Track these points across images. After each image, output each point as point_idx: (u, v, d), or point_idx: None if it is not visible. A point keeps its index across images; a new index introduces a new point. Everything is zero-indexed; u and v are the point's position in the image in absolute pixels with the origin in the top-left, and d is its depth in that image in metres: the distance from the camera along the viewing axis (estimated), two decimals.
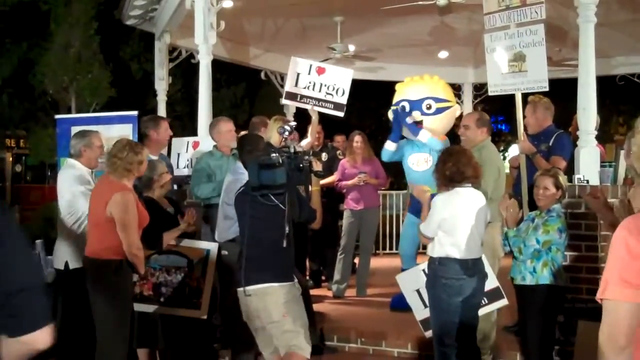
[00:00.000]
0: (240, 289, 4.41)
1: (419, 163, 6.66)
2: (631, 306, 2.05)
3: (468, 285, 4.63)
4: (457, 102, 7.29)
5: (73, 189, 5.48)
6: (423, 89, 6.71)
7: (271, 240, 4.37)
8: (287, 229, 4.34)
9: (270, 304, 4.36)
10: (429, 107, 6.58)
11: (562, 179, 4.92)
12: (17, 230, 2.04)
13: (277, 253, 4.40)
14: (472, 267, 4.65)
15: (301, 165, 4.33)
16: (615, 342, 2.09)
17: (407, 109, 6.65)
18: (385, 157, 6.95)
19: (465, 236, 4.64)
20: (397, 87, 7.00)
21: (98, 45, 16.49)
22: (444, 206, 4.69)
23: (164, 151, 6.90)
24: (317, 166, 4.61)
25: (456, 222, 4.65)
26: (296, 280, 4.57)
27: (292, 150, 4.36)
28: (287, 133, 4.71)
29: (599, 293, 2.13)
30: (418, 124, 6.58)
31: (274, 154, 4.26)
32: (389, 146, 6.81)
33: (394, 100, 6.88)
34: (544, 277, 4.76)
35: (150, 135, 6.31)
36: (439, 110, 6.56)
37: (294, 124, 5.13)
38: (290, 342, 4.37)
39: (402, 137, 6.80)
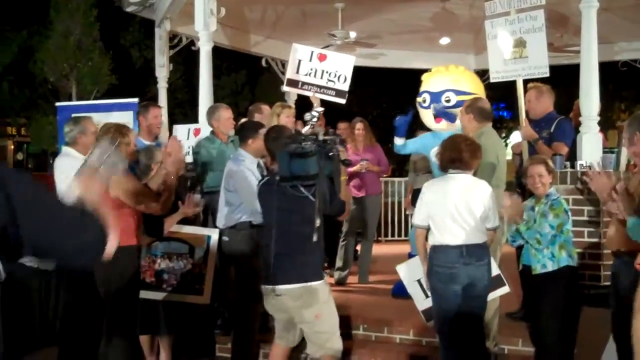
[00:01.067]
0: (268, 287, 4.27)
1: None
2: None
3: (463, 273, 4.58)
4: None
5: (68, 179, 5.46)
6: (445, 81, 6.59)
7: (301, 235, 4.18)
8: (317, 222, 4.12)
9: (303, 305, 4.24)
10: (448, 100, 6.46)
11: (550, 162, 4.91)
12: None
13: (308, 249, 4.22)
14: (468, 254, 4.59)
15: (331, 153, 4.13)
16: None
17: (427, 101, 6.57)
18: (399, 151, 6.87)
19: (458, 222, 4.60)
20: (423, 77, 6.87)
21: (98, 32, 16.50)
22: (430, 193, 4.70)
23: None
24: (344, 154, 4.47)
25: (445, 208, 4.61)
26: (326, 277, 4.50)
27: (320, 138, 4.18)
28: (315, 119, 4.54)
29: None
30: (437, 117, 6.50)
31: (306, 142, 4.06)
32: (397, 141, 6.74)
33: (420, 90, 6.80)
34: (564, 259, 4.67)
35: (140, 122, 6.34)
36: (459, 103, 6.47)
37: (321, 109, 5.01)
38: (325, 344, 4.34)
39: (410, 133, 6.75)
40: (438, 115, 6.35)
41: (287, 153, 4.02)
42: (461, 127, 5.76)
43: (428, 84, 6.67)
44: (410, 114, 6.64)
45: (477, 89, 6.57)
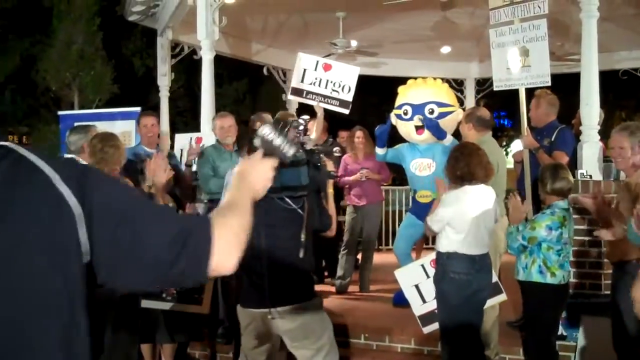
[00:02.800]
0: (262, 310, 3.96)
1: (422, 168, 6.62)
2: None
3: (475, 281, 4.63)
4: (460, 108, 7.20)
5: None
6: (426, 93, 6.64)
7: (287, 252, 3.89)
8: (302, 236, 3.87)
9: (299, 325, 3.99)
10: (432, 112, 6.49)
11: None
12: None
13: (297, 266, 3.95)
14: (480, 262, 4.65)
15: (319, 164, 3.84)
16: None
17: (410, 113, 6.60)
18: (378, 159, 7.00)
19: (473, 233, 4.64)
20: (400, 89, 6.91)
21: (100, 41, 16.55)
22: (452, 203, 4.68)
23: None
24: (330, 166, 4.22)
25: (464, 219, 4.63)
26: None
27: (308, 147, 3.85)
28: (302, 127, 4.33)
29: None
30: (419, 130, 6.53)
31: (297, 152, 3.78)
32: (378, 151, 6.86)
33: (397, 103, 6.83)
34: (532, 274, 4.75)
35: (139, 131, 6.39)
36: (442, 115, 6.50)
37: (307, 117, 4.87)
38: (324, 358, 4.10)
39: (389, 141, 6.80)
40: (429, 129, 6.36)
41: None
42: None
43: (407, 96, 6.70)
44: (388, 123, 6.68)
45: (454, 101, 6.71)
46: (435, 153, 6.42)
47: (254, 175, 2.06)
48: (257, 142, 2.28)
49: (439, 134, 6.24)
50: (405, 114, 6.61)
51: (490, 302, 5.12)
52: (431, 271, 5.08)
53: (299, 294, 4.01)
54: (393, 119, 6.75)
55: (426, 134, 6.43)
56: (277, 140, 2.26)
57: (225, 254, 1.66)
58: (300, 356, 4.13)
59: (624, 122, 5.34)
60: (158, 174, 4.84)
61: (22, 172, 1.52)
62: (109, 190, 1.61)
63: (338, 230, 8.36)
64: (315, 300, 4.11)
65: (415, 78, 6.94)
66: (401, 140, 6.90)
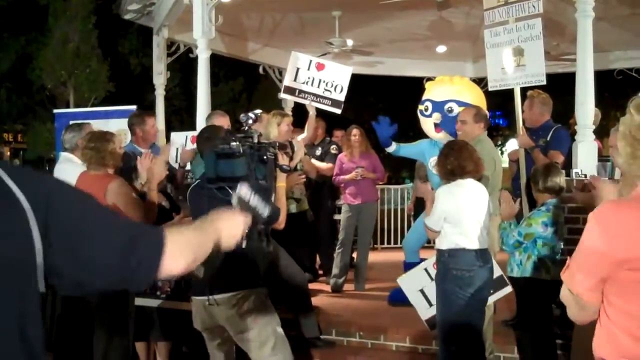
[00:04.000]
0: (202, 298, 4.04)
1: None
2: None
3: (479, 276, 4.65)
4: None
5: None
6: (449, 91, 6.62)
7: None
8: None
9: (237, 313, 4.01)
10: (451, 110, 6.50)
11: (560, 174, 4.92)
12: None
13: (238, 255, 3.82)
14: (482, 257, 4.68)
15: (265, 157, 3.87)
16: None
17: (430, 110, 6.60)
18: (395, 154, 6.94)
19: (471, 226, 4.68)
20: (427, 85, 6.93)
21: (96, 39, 16.51)
22: (446, 198, 4.71)
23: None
24: (283, 160, 4.22)
25: (461, 213, 4.67)
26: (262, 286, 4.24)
27: (255, 140, 3.89)
28: (250, 121, 4.30)
29: None
30: (437, 127, 6.53)
31: (234, 143, 3.78)
32: (388, 149, 6.81)
33: (422, 97, 6.84)
34: (527, 270, 4.82)
35: (136, 131, 6.32)
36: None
37: (259, 111, 4.80)
38: (268, 354, 4.07)
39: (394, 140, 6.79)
40: (442, 125, 6.37)
41: (214, 153, 3.77)
42: (460, 135, 5.80)
43: (431, 92, 6.71)
44: (390, 128, 6.66)
45: (479, 101, 6.61)
46: None
47: (225, 224, 2.22)
48: (234, 201, 2.55)
49: (453, 131, 6.26)
50: (426, 110, 6.62)
51: (498, 295, 5.15)
52: (435, 273, 5.08)
53: (238, 281, 4.05)
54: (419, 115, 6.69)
55: (444, 132, 6.43)
56: (253, 201, 2.54)
57: (175, 257, 1.86)
58: (246, 349, 4.15)
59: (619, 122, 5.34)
60: (157, 169, 4.86)
61: None
62: (66, 199, 1.75)
63: (333, 229, 8.40)
64: (258, 289, 4.13)
65: (411, 77, 6.96)
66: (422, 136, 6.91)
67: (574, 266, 2.26)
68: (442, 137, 6.42)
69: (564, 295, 2.30)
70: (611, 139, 4.65)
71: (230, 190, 3.67)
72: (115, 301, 4.81)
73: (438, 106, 6.53)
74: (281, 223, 4.21)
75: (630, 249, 2.06)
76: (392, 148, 6.75)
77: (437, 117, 6.51)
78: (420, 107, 6.71)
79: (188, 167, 6.78)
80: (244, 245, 3.70)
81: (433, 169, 6.54)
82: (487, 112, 6.11)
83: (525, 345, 5.05)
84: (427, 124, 6.63)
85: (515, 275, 4.90)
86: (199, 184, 4.24)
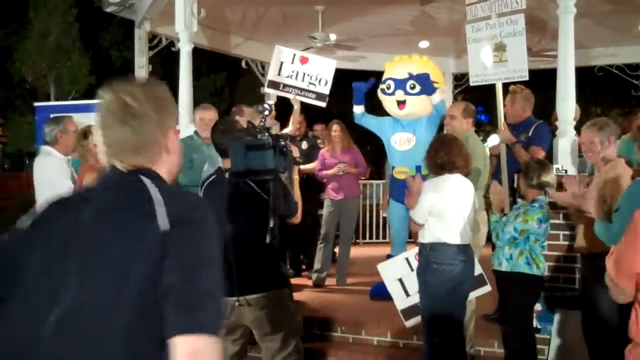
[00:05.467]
0: (232, 299, 3.82)
1: (402, 143, 6.64)
2: None
3: (459, 271, 4.67)
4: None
5: (55, 180, 5.41)
6: (410, 69, 6.68)
7: (252, 238, 3.80)
8: (271, 222, 3.75)
9: (266, 314, 3.90)
10: (413, 87, 6.55)
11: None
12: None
13: (264, 253, 3.89)
14: (463, 253, 4.71)
15: (285, 149, 3.78)
16: None
17: (392, 88, 6.62)
18: (358, 121, 6.93)
19: (455, 221, 4.71)
20: (386, 65, 6.96)
21: (77, 32, 16.40)
22: (432, 191, 4.74)
23: None
24: (296, 152, 4.23)
25: (445, 207, 4.70)
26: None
27: (273, 132, 3.83)
28: (267, 112, 4.17)
29: None
30: (400, 104, 6.55)
31: (262, 135, 3.68)
32: (356, 109, 6.82)
33: (383, 78, 6.86)
34: (519, 265, 4.83)
35: None
36: (425, 90, 6.55)
37: (272, 102, 4.75)
38: (288, 348, 3.99)
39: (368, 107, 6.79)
40: (418, 81, 6.38)
41: (242, 145, 3.63)
42: (448, 130, 5.83)
43: (392, 71, 6.73)
44: (370, 82, 6.68)
45: (439, 78, 6.69)
46: (416, 128, 6.44)
47: None
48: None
49: (429, 89, 6.27)
50: (389, 88, 6.64)
51: (476, 294, 5.18)
52: (416, 264, 5.10)
53: (268, 281, 3.94)
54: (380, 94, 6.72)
55: (407, 108, 6.44)
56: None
57: None
58: (266, 348, 4.04)
59: (599, 117, 5.41)
60: None
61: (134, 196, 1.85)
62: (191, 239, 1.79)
63: (316, 224, 8.40)
64: (284, 290, 4.07)
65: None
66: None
67: (618, 256, 2.61)
68: (407, 113, 6.45)
69: (607, 279, 2.68)
70: (582, 136, 4.75)
71: (254, 185, 3.73)
72: None
73: (400, 84, 6.56)
74: (298, 217, 4.22)
75: None
76: (360, 109, 6.75)
77: (400, 94, 6.54)
78: (382, 86, 6.75)
79: None
80: (267, 240, 3.75)
81: (394, 146, 6.55)
82: (473, 107, 6.13)
83: (511, 340, 5.07)
84: (390, 102, 6.66)
85: (503, 269, 4.91)
86: (216, 179, 4.03)
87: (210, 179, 4.09)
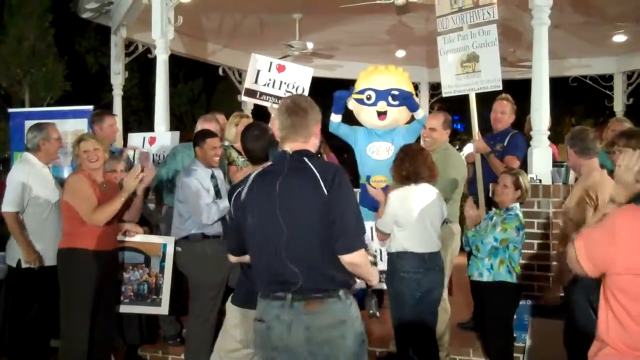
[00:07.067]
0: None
1: (380, 152, 6.58)
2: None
3: (426, 279, 4.71)
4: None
5: (20, 180, 5.41)
6: (390, 80, 6.64)
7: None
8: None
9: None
10: (394, 99, 6.56)
11: (524, 179, 5.00)
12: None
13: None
14: (429, 261, 4.74)
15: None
16: None
17: (373, 99, 6.59)
18: (331, 129, 6.84)
19: (421, 230, 4.75)
20: (362, 74, 6.87)
21: (53, 38, 16.25)
22: (398, 202, 4.78)
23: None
24: None
25: (411, 217, 4.73)
26: None
27: None
28: None
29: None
30: (381, 115, 6.53)
31: None
32: (334, 118, 6.74)
33: (358, 87, 6.77)
34: (500, 274, 4.86)
35: (95, 130, 6.27)
36: (404, 103, 6.56)
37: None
38: None
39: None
40: (405, 101, 6.37)
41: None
42: (427, 142, 5.85)
43: (370, 81, 6.67)
44: (351, 91, 6.65)
45: (413, 89, 6.71)
46: (394, 137, 6.42)
47: None
48: None
49: (413, 106, 6.27)
50: (369, 98, 6.55)
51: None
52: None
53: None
54: (351, 105, 6.68)
55: (388, 119, 6.40)
56: None
57: None
58: None
59: (573, 127, 5.47)
60: (129, 183, 4.98)
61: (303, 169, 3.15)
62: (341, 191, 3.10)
63: None
64: None
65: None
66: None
67: (589, 245, 2.62)
68: (387, 124, 6.43)
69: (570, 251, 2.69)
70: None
71: None
72: (68, 292, 4.91)
73: (382, 94, 6.53)
74: None
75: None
76: (338, 118, 6.66)
77: (382, 105, 6.52)
78: (360, 96, 6.63)
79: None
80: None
81: (371, 155, 6.53)
82: (450, 117, 6.16)
83: (494, 348, 5.09)
84: (369, 113, 6.56)
85: (485, 280, 4.93)
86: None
87: (242, 188, 3.74)
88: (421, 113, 6.23)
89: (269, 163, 3.52)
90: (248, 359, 4.05)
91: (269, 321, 3.17)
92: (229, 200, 3.98)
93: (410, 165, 4.77)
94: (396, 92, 6.30)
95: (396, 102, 6.36)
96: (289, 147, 3.21)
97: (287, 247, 3.08)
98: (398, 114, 6.38)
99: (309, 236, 3.07)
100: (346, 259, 3.04)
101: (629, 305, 2.54)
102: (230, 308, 4.11)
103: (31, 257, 5.25)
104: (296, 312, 3.11)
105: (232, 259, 3.62)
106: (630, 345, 2.54)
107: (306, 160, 3.15)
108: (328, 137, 8.14)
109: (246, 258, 3.47)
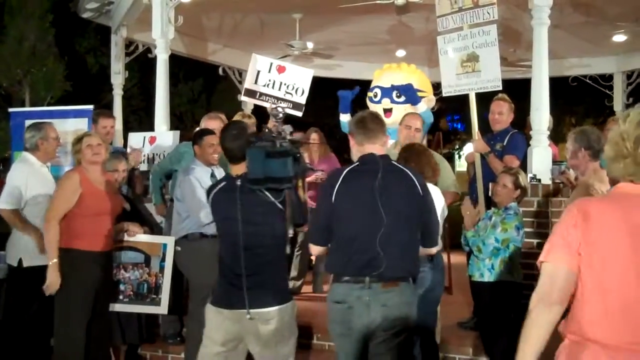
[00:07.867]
0: (240, 311, 3.71)
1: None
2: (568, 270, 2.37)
3: (428, 277, 4.71)
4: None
5: (18, 179, 5.44)
6: (397, 78, 6.68)
7: (270, 249, 3.75)
8: (290, 232, 3.73)
9: (275, 328, 3.78)
10: (399, 96, 6.57)
11: (523, 179, 5.01)
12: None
13: (279, 266, 3.86)
14: (433, 260, 4.73)
15: (298, 155, 3.61)
16: (549, 297, 2.34)
17: (379, 96, 6.63)
18: (343, 128, 6.84)
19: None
20: (375, 73, 6.98)
21: (53, 38, 16.24)
22: None
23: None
24: (306, 158, 4.25)
25: None
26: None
27: (287, 137, 3.65)
28: (281, 116, 3.90)
29: (542, 256, 2.48)
30: (386, 113, 6.54)
31: (282, 141, 3.53)
32: (342, 118, 6.77)
33: (371, 86, 6.87)
34: (502, 273, 4.87)
35: (93, 129, 6.31)
36: (410, 100, 6.56)
37: (285, 105, 4.58)
38: None
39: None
40: (405, 94, 6.37)
41: (262, 151, 3.48)
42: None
43: (379, 79, 6.75)
44: (356, 90, 6.67)
45: (426, 87, 6.69)
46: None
47: None
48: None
49: (414, 99, 6.28)
50: (375, 96, 6.65)
51: None
52: None
53: (279, 295, 3.83)
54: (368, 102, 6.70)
55: (394, 116, 6.44)
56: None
57: None
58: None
59: (574, 127, 5.49)
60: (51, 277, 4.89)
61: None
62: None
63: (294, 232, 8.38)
64: (293, 302, 3.96)
65: (371, 81, 6.96)
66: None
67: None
68: (393, 121, 6.44)
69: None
70: (569, 144, 4.81)
71: (268, 193, 3.60)
72: (65, 292, 4.89)
73: (386, 92, 6.57)
74: (305, 226, 4.15)
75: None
76: (347, 118, 6.69)
77: (386, 102, 6.55)
78: (370, 94, 6.75)
79: (143, 168, 6.73)
80: (288, 251, 3.84)
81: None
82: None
83: (498, 347, 5.08)
84: (376, 110, 6.64)
85: (486, 280, 4.93)
86: (227, 185, 3.84)
87: (220, 185, 3.92)
88: (422, 107, 6.24)
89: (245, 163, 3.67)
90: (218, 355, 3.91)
91: (350, 302, 3.72)
92: (207, 198, 3.98)
93: (415, 165, 4.76)
94: (395, 90, 6.34)
95: (401, 99, 6.39)
96: (369, 148, 3.70)
97: (383, 235, 3.52)
98: (404, 111, 6.39)
99: (403, 229, 3.60)
100: (432, 251, 4.03)
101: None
102: (209, 310, 3.93)
103: (42, 244, 5.16)
104: (374, 292, 3.60)
105: (315, 250, 3.99)
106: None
107: (396, 163, 3.78)
108: (328, 137, 8.19)
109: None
